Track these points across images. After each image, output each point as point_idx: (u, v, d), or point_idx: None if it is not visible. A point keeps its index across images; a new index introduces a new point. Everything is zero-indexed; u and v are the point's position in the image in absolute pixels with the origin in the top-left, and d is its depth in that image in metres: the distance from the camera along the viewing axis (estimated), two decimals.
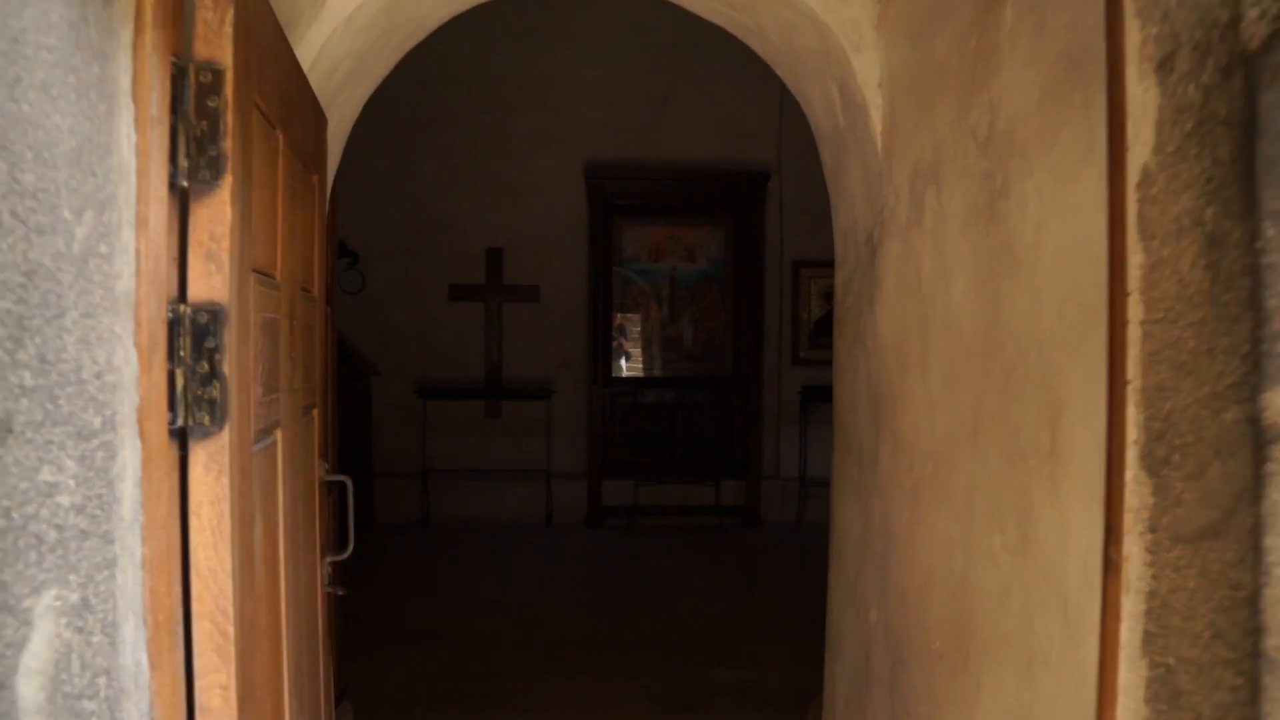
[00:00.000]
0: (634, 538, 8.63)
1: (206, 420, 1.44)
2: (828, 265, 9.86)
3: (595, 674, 5.16)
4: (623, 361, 9.68)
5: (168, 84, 1.39)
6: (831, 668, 3.19)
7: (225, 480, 1.46)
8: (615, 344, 9.63)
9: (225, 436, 1.46)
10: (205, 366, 1.43)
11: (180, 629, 1.43)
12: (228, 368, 1.45)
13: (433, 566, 7.64)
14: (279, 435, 1.63)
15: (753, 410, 9.25)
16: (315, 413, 2.06)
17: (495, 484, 9.23)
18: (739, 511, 9.22)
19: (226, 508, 1.47)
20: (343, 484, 2.09)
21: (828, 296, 9.48)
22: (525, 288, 9.54)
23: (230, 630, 1.48)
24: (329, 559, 2.08)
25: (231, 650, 1.48)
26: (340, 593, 2.16)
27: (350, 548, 2.10)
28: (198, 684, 1.46)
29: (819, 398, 9.05)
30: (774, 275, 9.50)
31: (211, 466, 1.46)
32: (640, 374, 9.69)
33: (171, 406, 1.42)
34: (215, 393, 1.44)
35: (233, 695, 1.49)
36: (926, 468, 2.14)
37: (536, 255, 9.57)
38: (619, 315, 9.65)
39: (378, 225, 9.52)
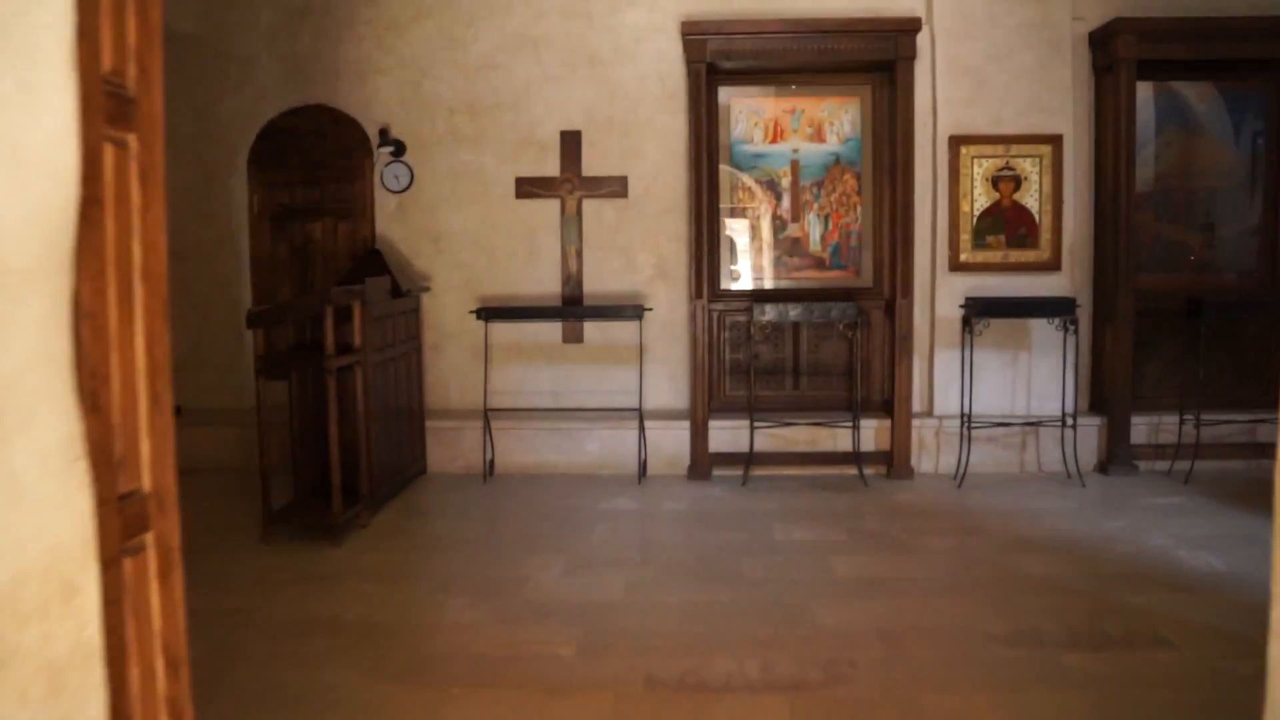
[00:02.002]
0: (750, 496, 6.74)
1: None
2: (995, 140, 7.76)
3: None
4: (733, 270, 7.69)
5: None
6: None
7: None
8: (723, 247, 7.65)
9: None
10: None
11: None
12: None
13: (487, 540, 5.87)
14: None
15: (902, 330, 7.20)
16: None
17: (576, 426, 7.41)
18: (883, 459, 7.25)
19: None
20: None
21: (996, 182, 7.32)
22: (610, 179, 7.62)
23: None
24: None
25: None
26: None
27: None
28: None
29: (988, 312, 6.98)
30: (925, 156, 7.37)
31: None
32: (755, 286, 7.69)
33: None
34: None
35: None
36: None
37: (623, 138, 7.62)
38: (728, 211, 7.65)
39: (427, 107, 7.69)
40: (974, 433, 7.09)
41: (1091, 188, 7.47)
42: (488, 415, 7.30)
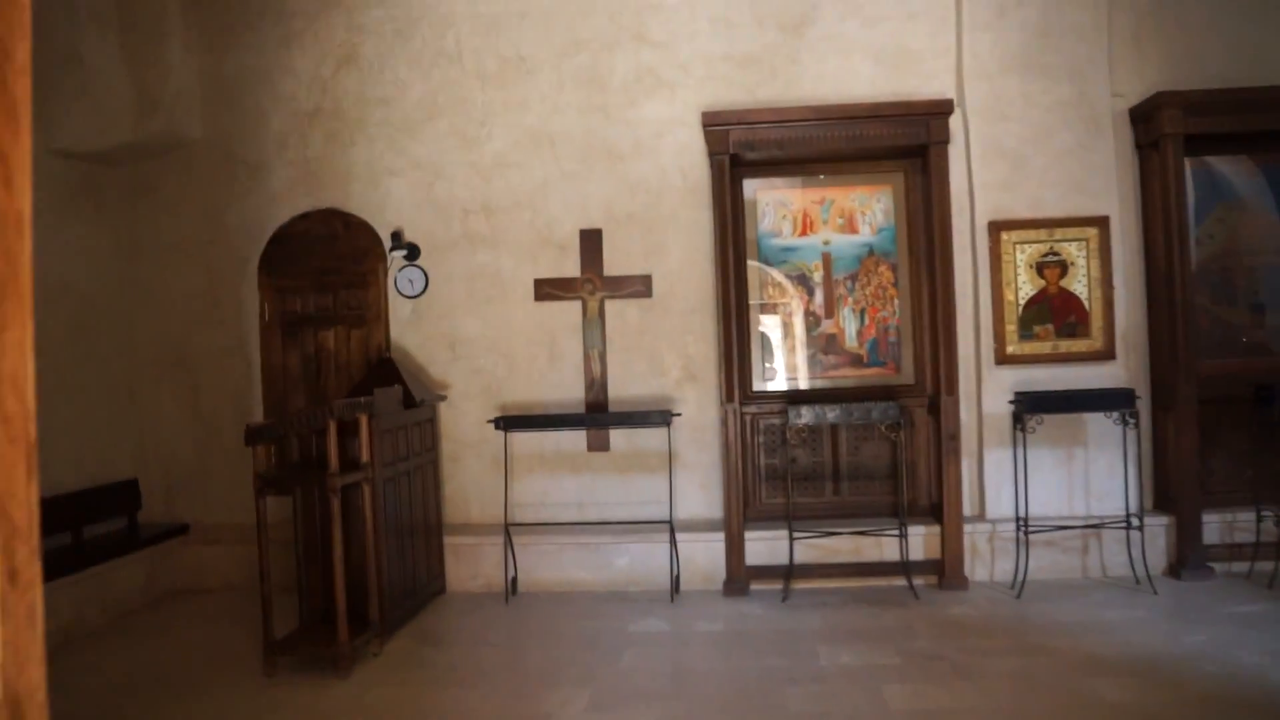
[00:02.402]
0: (791, 613, 6.23)
1: None
2: (1037, 225, 7.32)
3: None
4: (767, 369, 7.28)
5: None
6: None
7: None
8: (755, 346, 7.26)
9: None
10: None
11: None
12: None
13: (506, 670, 5.38)
14: None
15: (948, 429, 6.72)
16: None
17: (603, 540, 6.96)
18: (934, 568, 6.72)
19: None
20: None
21: (1040, 269, 6.91)
22: (633, 278, 7.29)
23: None
24: None
25: None
26: None
27: None
28: None
29: (1041, 407, 6.50)
30: (963, 243, 6.99)
31: None
32: (790, 386, 7.26)
33: None
34: None
35: None
36: None
37: (645, 235, 7.31)
38: (758, 308, 7.27)
39: (441, 209, 7.43)
40: (1031, 537, 6.56)
41: (1143, 270, 7.04)
42: (509, 530, 6.86)
